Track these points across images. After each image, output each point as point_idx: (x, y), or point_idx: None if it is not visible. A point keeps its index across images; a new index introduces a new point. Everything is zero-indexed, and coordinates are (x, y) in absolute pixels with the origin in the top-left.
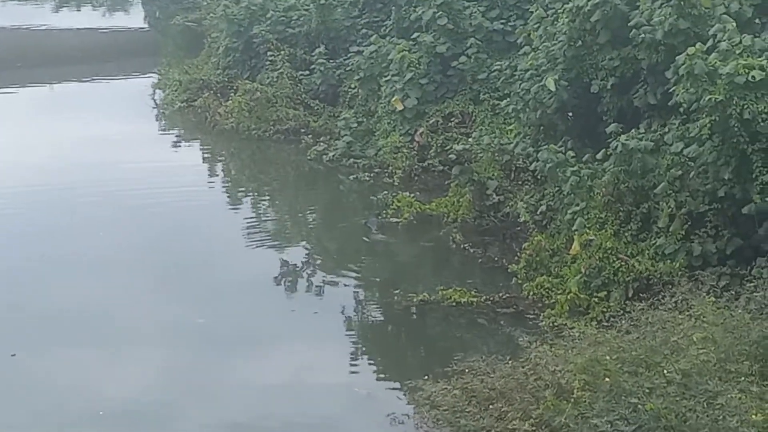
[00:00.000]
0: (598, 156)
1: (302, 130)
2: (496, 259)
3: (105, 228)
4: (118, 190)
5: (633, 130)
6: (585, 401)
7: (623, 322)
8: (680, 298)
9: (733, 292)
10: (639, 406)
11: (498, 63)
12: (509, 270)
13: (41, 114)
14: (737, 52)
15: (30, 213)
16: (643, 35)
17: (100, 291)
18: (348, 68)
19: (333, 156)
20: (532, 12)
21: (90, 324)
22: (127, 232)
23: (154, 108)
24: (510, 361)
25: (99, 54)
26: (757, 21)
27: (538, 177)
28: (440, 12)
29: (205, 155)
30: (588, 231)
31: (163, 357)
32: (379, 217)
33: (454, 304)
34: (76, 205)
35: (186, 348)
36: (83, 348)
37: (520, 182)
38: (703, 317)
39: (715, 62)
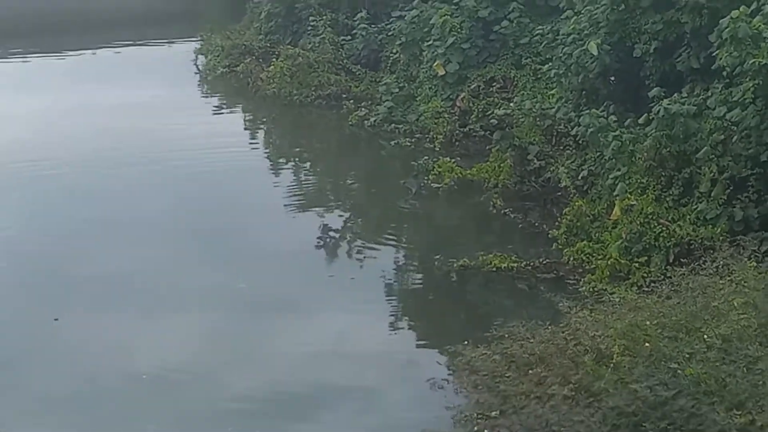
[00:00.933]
0: (640, 120)
1: (344, 96)
2: (536, 224)
3: (146, 193)
4: (159, 155)
5: (675, 95)
6: (624, 366)
7: (664, 287)
8: (721, 263)
9: None
10: (679, 371)
11: (540, 27)
12: (550, 235)
13: (83, 80)
14: None
15: (72, 178)
16: None
17: (142, 256)
18: (390, 33)
19: (374, 121)
20: None
21: (131, 288)
22: (168, 198)
23: (196, 73)
24: (550, 327)
25: (141, 20)
26: None
27: (580, 142)
28: None
29: (247, 121)
30: (629, 196)
31: (204, 322)
32: (419, 180)
33: (494, 269)
34: (118, 170)
35: (227, 313)
36: (125, 312)
37: (561, 147)
38: (744, 282)
39: (759, 25)
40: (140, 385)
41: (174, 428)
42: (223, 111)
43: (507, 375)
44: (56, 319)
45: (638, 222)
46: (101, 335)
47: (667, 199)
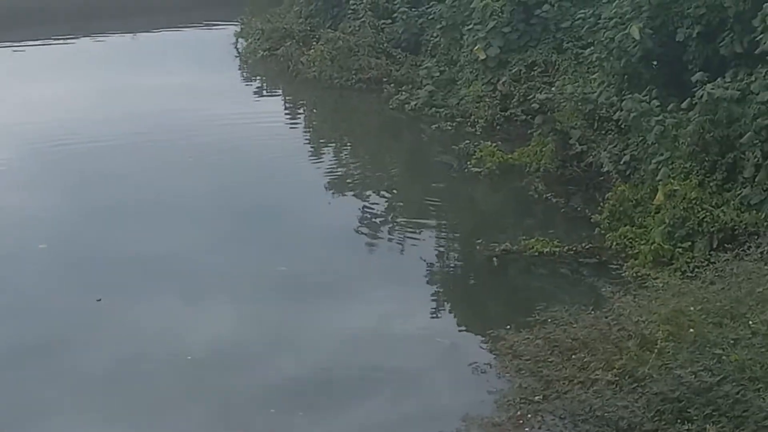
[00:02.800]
0: (683, 105)
1: (384, 79)
2: (578, 209)
3: (186, 175)
4: (200, 138)
5: (719, 79)
6: (668, 352)
7: (708, 272)
8: (766, 248)
9: None
10: (723, 357)
11: (582, 11)
12: (592, 220)
13: (123, 63)
14: None
15: (112, 161)
16: None
17: (182, 237)
18: (430, 17)
19: (415, 105)
20: None
21: (172, 270)
22: (209, 180)
23: (236, 57)
24: (593, 312)
25: (181, 3)
26: None
27: (622, 126)
28: None
29: (287, 104)
30: (672, 181)
31: (245, 304)
32: (457, 155)
33: (536, 254)
34: (158, 152)
35: (268, 295)
36: (167, 294)
37: (603, 132)
38: None
39: None
40: (185, 366)
41: (217, 410)
42: (263, 94)
43: (550, 360)
44: (99, 300)
45: (681, 207)
46: (143, 316)
47: (711, 184)
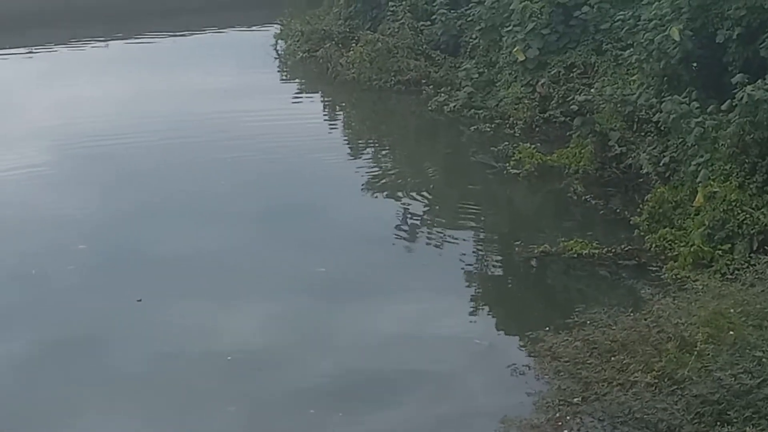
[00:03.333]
0: (723, 107)
1: (423, 81)
2: (617, 210)
3: (225, 175)
4: (239, 138)
5: (759, 81)
6: (708, 354)
7: (748, 275)
8: None
9: None
10: (764, 359)
11: (621, 12)
12: (631, 222)
13: (163, 65)
14: None
15: (151, 162)
16: None
17: (220, 237)
18: (469, 18)
19: (454, 107)
20: None
21: (211, 270)
22: (248, 181)
23: (276, 58)
24: (632, 314)
25: (221, 5)
26: None
27: (662, 128)
28: None
29: (327, 105)
30: (712, 183)
31: (284, 305)
32: (495, 155)
33: (575, 255)
34: (197, 152)
35: (307, 296)
36: (205, 294)
37: (642, 133)
38: None
39: None
40: (225, 366)
41: (254, 409)
42: (302, 96)
43: (589, 361)
44: (139, 300)
45: (721, 209)
46: (183, 316)
47: (751, 186)
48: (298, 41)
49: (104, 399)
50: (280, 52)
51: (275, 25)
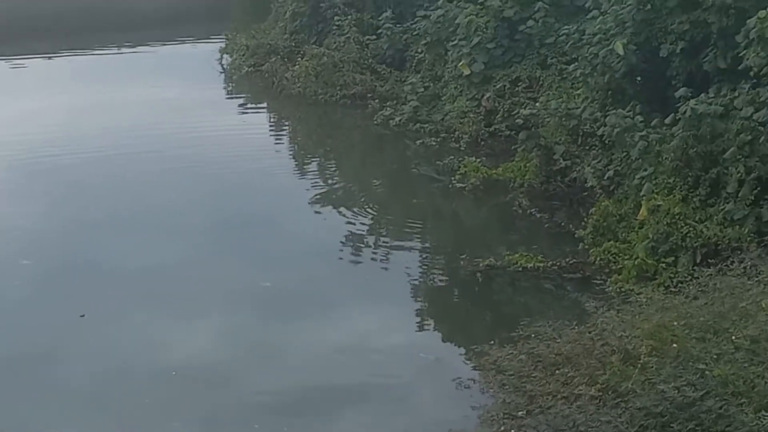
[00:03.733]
0: (667, 121)
1: (369, 95)
2: (562, 224)
3: (170, 190)
4: (185, 153)
5: (702, 95)
6: (652, 367)
7: (691, 287)
8: (749, 264)
9: None
10: (706, 372)
11: (566, 27)
12: (576, 235)
13: (108, 78)
14: None
15: (98, 174)
16: None
17: (167, 251)
18: (415, 33)
19: (399, 121)
20: None
21: (156, 285)
22: (194, 195)
23: (221, 73)
24: (576, 327)
25: (166, 19)
26: None
27: (606, 142)
28: None
29: (272, 120)
30: (656, 196)
31: (230, 319)
32: (434, 166)
33: (520, 269)
34: (142, 165)
35: (253, 311)
36: (150, 309)
37: (587, 147)
38: None
39: None
40: (168, 381)
41: (200, 425)
42: (248, 110)
43: (533, 375)
44: (83, 315)
45: (665, 222)
46: (129, 331)
47: (694, 199)
48: (243, 55)
49: (49, 416)
50: (225, 67)
51: (221, 39)
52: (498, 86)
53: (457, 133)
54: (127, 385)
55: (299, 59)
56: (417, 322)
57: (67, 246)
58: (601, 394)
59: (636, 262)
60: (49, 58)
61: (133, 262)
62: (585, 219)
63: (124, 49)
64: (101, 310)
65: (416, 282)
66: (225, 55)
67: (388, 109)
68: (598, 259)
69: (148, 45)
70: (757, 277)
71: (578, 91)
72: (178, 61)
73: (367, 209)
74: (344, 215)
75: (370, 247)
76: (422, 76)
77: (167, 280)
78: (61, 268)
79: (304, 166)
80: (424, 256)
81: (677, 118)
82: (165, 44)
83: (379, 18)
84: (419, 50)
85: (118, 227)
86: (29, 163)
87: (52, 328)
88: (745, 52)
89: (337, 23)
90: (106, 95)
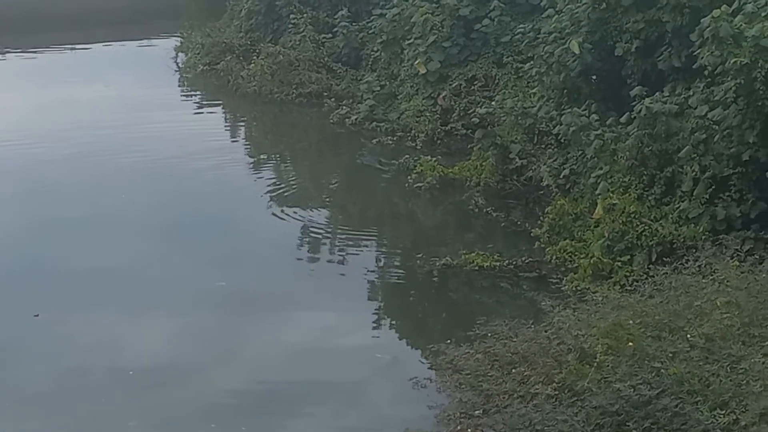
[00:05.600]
0: (622, 119)
1: (325, 94)
2: (518, 223)
3: (125, 190)
4: (139, 152)
5: (657, 94)
6: (608, 365)
7: (646, 286)
8: (704, 262)
9: (757, 257)
10: (662, 370)
11: (521, 26)
12: (532, 234)
13: (63, 78)
14: (763, 14)
15: (50, 174)
16: None
17: (121, 252)
18: (371, 31)
19: (355, 119)
20: None
21: (111, 284)
22: (147, 195)
23: (176, 71)
24: (533, 325)
25: (122, 17)
26: None
27: (562, 140)
28: None
29: (228, 119)
30: (611, 195)
31: (186, 319)
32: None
33: (476, 268)
34: (97, 165)
35: (208, 310)
36: (105, 309)
37: (543, 146)
38: (727, 281)
39: (741, 24)
40: (125, 381)
41: (158, 424)
42: (203, 109)
43: (490, 374)
44: (36, 315)
45: (620, 221)
46: (85, 331)
47: (649, 198)
48: (198, 54)
49: (2, 416)
50: (180, 65)
51: (176, 38)
52: (454, 85)
53: (413, 131)
54: (83, 385)
55: (255, 58)
56: (374, 322)
57: (19, 246)
58: (557, 392)
59: (592, 261)
60: (3, 56)
61: (86, 262)
62: (541, 218)
63: (78, 48)
64: (55, 311)
65: (373, 281)
66: (180, 54)
67: (344, 107)
68: (554, 257)
69: (102, 43)
70: (711, 275)
71: (534, 90)
72: (132, 60)
73: (324, 209)
74: (300, 214)
75: (327, 246)
76: (378, 75)
77: (121, 280)
78: (13, 269)
79: (260, 165)
80: (380, 255)
81: (632, 116)
82: (119, 43)
83: (335, 16)
84: (375, 49)
85: (71, 227)
86: None
87: (5, 328)
88: (699, 50)
89: (292, 21)
90: (59, 95)
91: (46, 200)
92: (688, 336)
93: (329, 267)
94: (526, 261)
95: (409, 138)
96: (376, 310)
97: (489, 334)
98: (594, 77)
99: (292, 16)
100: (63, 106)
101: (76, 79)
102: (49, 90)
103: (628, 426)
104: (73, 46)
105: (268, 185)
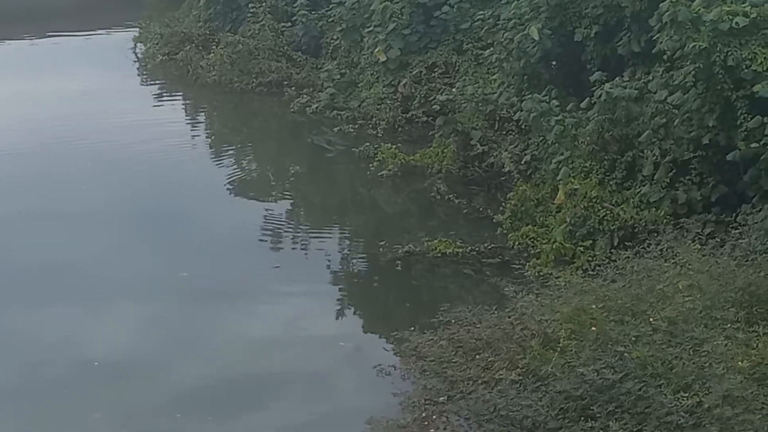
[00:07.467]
0: (583, 105)
1: (285, 83)
2: (481, 209)
3: (86, 181)
4: (99, 143)
5: (617, 78)
6: (571, 350)
7: (609, 270)
8: (665, 246)
9: (718, 240)
10: (625, 354)
11: (481, 12)
12: (494, 220)
13: (20, 69)
14: None
15: (8, 166)
16: None
17: (82, 245)
18: (330, 19)
19: (316, 108)
20: None
21: (72, 278)
22: (108, 186)
23: (135, 62)
24: (496, 311)
25: (79, 8)
26: None
27: (522, 127)
28: None
29: (188, 108)
30: (573, 180)
31: (149, 311)
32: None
33: (439, 255)
34: (57, 158)
35: (171, 302)
36: (69, 301)
37: (504, 132)
38: (689, 265)
39: (699, 9)
40: (89, 373)
41: (123, 416)
42: (163, 99)
43: (454, 360)
44: None
45: (582, 206)
46: (44, 325)
47: (611, 182)
48: (157, 44)
49: None
50: (139, 55)
51: (134, 28)
52: (414, 72)
53: (374, 119)
54: (46, 378)
55: (214, 47)
56: (337, 310)
57: None
58: (521, 378)
59: (554, 246)
60: None
61: (46, 255)
62: (503, 204)
63: (35, 40)
64: (17, 304)
65: (336, 270)
66: (139, 44)
67: (305, 96)
68: (517, 243)
69: (59, 35)
70: (673, 258)
71: (494, 77)
72: (90, 50)
73: (285, 197)
74: (262, 203)
75: (289, 235)
76: (338, 63)
77: (83, 272)
78: None
79: (221, 155)
80: (343, 243)
81: (592, 102)
82: (78, 34)
83: (294, 5)
84: (335, 37)
85: (32, 221)
86: None
87: None
88: (658, 35)
89: (251, 10)
90: (17, 87)
91: (4, 194)
92: (651, 319)
93: (292, 256)
94: (489, 247)
95: (371, 126)
96: (339, 298)
97: (453, 321)
98: (554, 63)
99: (251, 5)
100: (21, 99)
101: (33, 71)
102: (5, 81)
103: (593, 410)
104: (31, 36)
105: (230, 175)
